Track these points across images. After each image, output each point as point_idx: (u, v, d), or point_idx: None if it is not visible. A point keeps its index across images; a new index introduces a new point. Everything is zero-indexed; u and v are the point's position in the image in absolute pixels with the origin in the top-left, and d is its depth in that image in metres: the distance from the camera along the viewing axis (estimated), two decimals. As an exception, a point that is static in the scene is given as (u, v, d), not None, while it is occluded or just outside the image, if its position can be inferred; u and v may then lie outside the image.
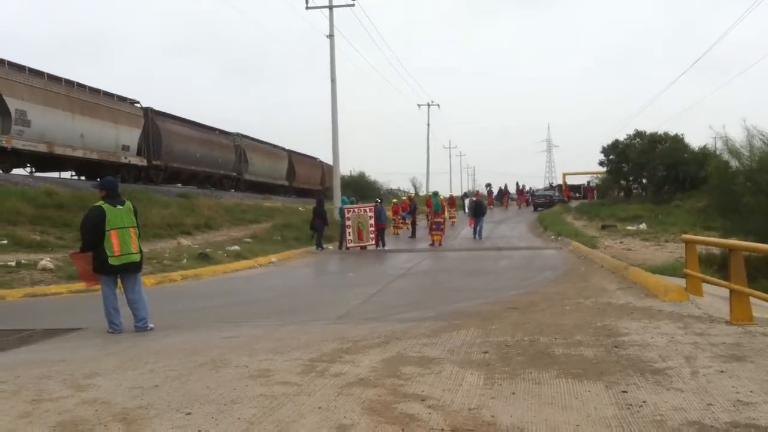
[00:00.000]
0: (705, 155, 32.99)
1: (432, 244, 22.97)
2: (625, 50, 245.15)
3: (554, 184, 61.06)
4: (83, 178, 27.09)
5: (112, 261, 7.85)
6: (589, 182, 56.68)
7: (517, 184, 53.82)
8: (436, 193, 26.41)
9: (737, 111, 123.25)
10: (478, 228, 26.70)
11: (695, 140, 52.48)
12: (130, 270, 8.10)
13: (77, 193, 19.87)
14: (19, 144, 21.91)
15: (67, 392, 4.92)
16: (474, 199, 30.15)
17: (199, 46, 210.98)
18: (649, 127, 42.37)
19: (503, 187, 55.14)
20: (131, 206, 8.20)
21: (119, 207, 8.00)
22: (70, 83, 25.26)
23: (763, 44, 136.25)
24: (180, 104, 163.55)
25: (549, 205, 45.64)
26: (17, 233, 15.89)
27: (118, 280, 8.12)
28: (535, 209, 46.22)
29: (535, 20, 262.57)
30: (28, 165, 24.86)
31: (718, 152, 26.87)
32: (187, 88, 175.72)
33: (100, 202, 7.96)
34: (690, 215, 25.22)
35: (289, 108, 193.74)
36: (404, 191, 71.73)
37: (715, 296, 8.66)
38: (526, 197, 54.20)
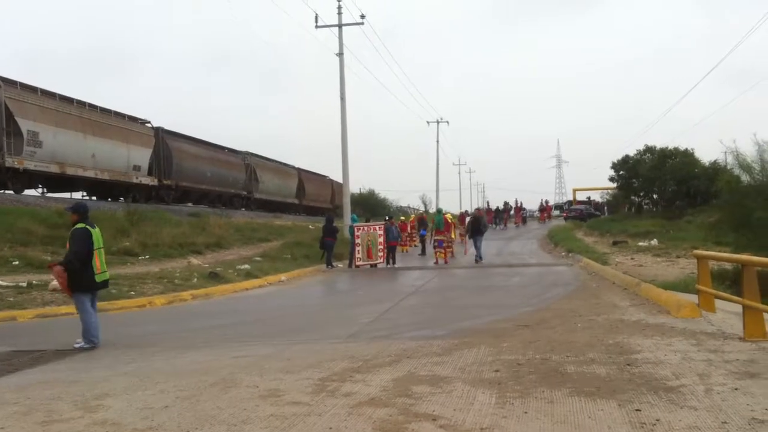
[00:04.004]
0: (716, 170, 32.88)
1: (436, 262, 22.85)
2: (637, 62, 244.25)
3: (546, 203, 61.34)
4: (94, 198, 27.26)
5: (97, 278, 8.52)
6: (546, 201, 57.54)
7: (516, 201, 53.66)
8: (439, 211, 26.20)
9: (753, 122, 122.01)
10: (477, 248, 22.73)
11: (708, 154, 52.65)
12: (104, 287, 8.97)
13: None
14: (31, 165, 22.09)
15: (78, 413, 4.92)
16: (474, 215, 26.03)
17: (208, 63, 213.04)
18: (661, 141, 42.32)
19: (503, 205, 55.05)
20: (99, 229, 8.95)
21: (95, 229, 8.70)
22: (81, 104, 25.50)
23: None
24: (191, 121, 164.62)
25: (581, 218, 46.41)
26: (29, 254, 15.97)
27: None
28: (566, 220, 48.87)
29: (545, 35, 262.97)
30: (40, 186, 25.03)
31: (728, 167, 26.82)
32: (197, 105, 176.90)
33: (82, 225, 8.57)
34: (701, 230, 25.06)
35: (300, 124, 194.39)
36: (414, 208, 71.68)
37: (728, 312, 8.58)
38: (522, 215, 53.97)
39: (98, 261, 8.54)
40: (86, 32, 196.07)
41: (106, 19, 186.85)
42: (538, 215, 56.10)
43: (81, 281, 8.43)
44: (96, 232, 8.63)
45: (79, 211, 8.81)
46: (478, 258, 22.36)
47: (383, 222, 23.50)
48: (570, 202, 65.52)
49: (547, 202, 60.58)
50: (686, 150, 37.89)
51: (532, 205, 65.90)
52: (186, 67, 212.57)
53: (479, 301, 12.37)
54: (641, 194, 41.05)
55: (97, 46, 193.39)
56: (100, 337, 8.62)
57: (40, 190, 25.18)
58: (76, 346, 8.33)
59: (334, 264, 21.85)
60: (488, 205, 58.11)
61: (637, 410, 4.42)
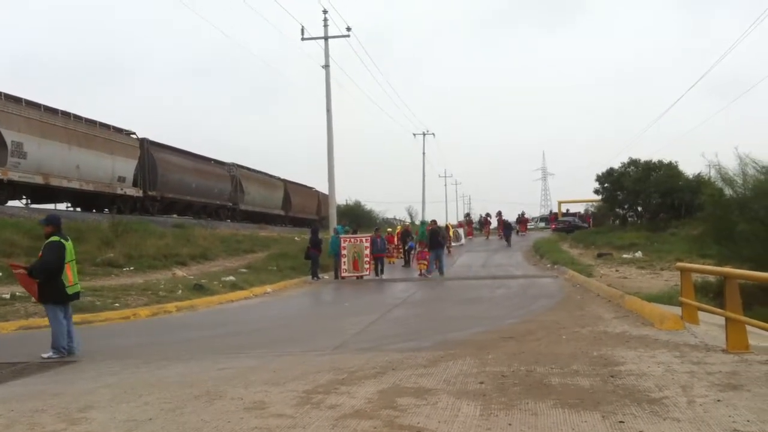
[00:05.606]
0: (699, 183, 33.13)
1: (420, 274, 22.81)
2: (623, 74, 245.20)
3: (523, 215, 61.05)
4: (79, 209, 27.09)
5: (68, 290, 8.66)
6: (523, 213, 57.14)
7: (499, 213, 53.53)
8: (423, 223, 26.13)
9: (737, 132, 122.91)
10: (437, 263, 22.18)
11: (692, 166, 53.02)
12: (76, 298, 9.03)
13: (72, 225, 19.79)
14: (15, 176, 21.92)
15: (61, 426, 4.88)
16: (433, 227, 23.84)
17: (194, 74, 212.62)
18: (646, 154, 42.60)
19: (484, 216, 54.94)
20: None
21: (69, 242, 8.79)
22: (66, 114, 25.36)
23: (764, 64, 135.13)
24: (177, 132, 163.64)
25: (568, 230, 46.63)
26: (12, 265, 15.83)
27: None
28: (553, 232, 49.55)
29: (531, 47, 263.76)
30: (24, 197, 24.85)
31: (712, 180, 27.09)
32: (183, 116, 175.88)
33: (56, 237, 8.65)
34: (685, 243, 25.26)
35: (286, 135, 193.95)
36: (400, 220, 71.64)
37: (711, 324, 8.65)
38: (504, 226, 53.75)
39: (70, 273, 8.66)
40: (74, 43, 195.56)
41: (93, 30, 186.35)
42: (518, 227, 56.29)
43: (53, 293, 8.54)
44: (69, 245, 8.74)
45: (54, 223, 8.91)
46: (432, 273, 21.87)
47: (369, 235, 23.48)
48: (553, 214, 65.93)
49: (523, 214, 60.52)
50: (670, 163, 38.22)
51: (512, 217, 65.99)
52: (172, 79, 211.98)
53: (465, 313, 12.38)
54: (626, 207, 41.30)
55: (85, 57, 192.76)
56: (80, 347, 8.68)
57: (24, 201, 24.99)
58: (44, 356, 8.39)
59: (320, 275, 21.82)
60: (469, 217, 58.14)
61: (620, 422, 4.44)
